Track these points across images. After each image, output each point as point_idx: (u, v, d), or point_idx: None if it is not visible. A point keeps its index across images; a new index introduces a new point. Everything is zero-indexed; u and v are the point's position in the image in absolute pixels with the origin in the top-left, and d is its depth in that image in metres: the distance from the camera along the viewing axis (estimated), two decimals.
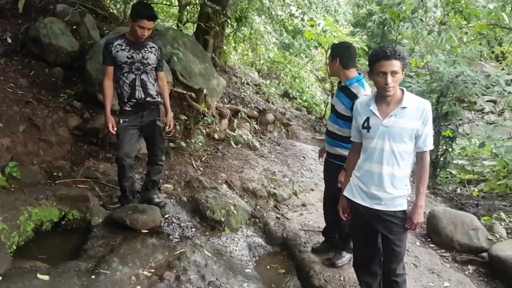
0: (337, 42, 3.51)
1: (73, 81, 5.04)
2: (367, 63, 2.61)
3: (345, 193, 2.80)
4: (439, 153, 8.11)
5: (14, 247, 3.17)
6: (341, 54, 3.30)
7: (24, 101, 4.26)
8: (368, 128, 2.60)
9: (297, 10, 11.68)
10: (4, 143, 3.81)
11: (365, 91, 3.22)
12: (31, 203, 3.46)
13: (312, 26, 10.30)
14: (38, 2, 5.66)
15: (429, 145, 2.58)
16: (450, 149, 8.11)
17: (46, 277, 2.73)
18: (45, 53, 4.96)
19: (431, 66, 7.98)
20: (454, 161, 9.07)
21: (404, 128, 2.49)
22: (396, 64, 2.39)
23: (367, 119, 2.61)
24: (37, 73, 4.81)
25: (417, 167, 2.66)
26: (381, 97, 2.56)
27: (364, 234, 2.80)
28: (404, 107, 2.50)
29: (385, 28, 15.05)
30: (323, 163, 3.81)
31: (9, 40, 5.00)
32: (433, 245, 4.31)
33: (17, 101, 4.19)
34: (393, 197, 2.57)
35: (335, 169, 3.34)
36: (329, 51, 3.36)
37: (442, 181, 8.31)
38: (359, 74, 3.33)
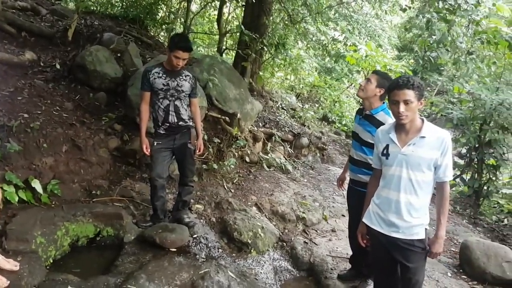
0: (386, 73, 3.51)
1: (115, 105, 5.36)
2: None
3: (364, 219, 2.82)
4: (483, 181, 7.82)
5: (51, 260, 3.39)
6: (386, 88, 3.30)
7: (68, 123, 4.57)
8: (387, 155, 2.64)
9: (340, 35, 11.79)
10: (47, 162, 4.11)
11: (392, 119, 3.24)
12: (69, 219, 3.69)
13: (354, 51, 10.35)
14: (86, 31, 6.11)
15: (449, 176, 2.57)
16: (494, 178, 7.80)
17: None
18: (90, 79, 5.33)
19: (474, 93, 7.79)
20: (502, 191, 8.68)
21: (422, 157, 2.50)
22: (408, 94, 2.43)
23: (387, 147, 2.65)
24: (82, 97, 5.18)
25: (437, 197, 2.66)
26: (400, 125, 2.59)
27: (383, 262, 2.79)
28: (423, 137, 2.52)
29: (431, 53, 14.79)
30: (344, 191, 3.83)
31: (58, 66, 5.42)
32: (465, 277, 4.17)
33: (61, 123, 4.52)
34: (410, 226, 2.57)
35: (361, 197, 3.35)
36: (377, 76, 3.34)
37: (486, 211, 7.95)
38: (383, 103, 3.36)
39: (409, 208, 2.55)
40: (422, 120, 2.59)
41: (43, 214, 3.60)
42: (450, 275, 4.18)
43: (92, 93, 5.30)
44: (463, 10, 4.64)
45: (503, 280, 3.97)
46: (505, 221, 7.62)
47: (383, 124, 3.19)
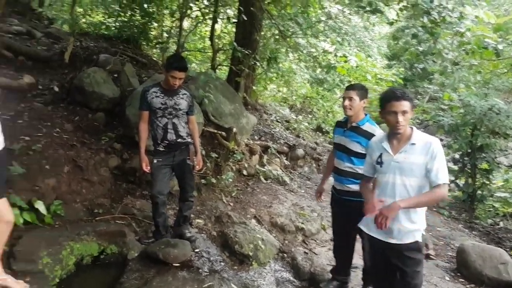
0: (359, 83, 3.66)
1: (114, 125, 5.46)
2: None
3: (360, 225, 2.92)
4: (477, 186, 7.95)
5: (57, 280, 3.44)
6: (366, 98, 3.47)
7: (69, 145, 4.67)
8: (381, 163, 2.76)
9: (330, 47, 12.00)
10: (50, 184, 4.18)
11: (378, 128, 3.39)
12: (73, 238, 3.76)
13: (345, 62, 10.54)
14: (82, 53, 6.23)
15: (442, 179, 2.57)
16: (487, 182, 7.94)
17: None
18: (89, 100, 5.44)
19: (464, 99, 7.96)
20: (496, 194, 8.81)
21: (414, 163, 2.62)
22: (405, 105, 2.58)
23: (380, 155, 2.78)
24: (81, 118, 5.29)
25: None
26: (392, 134, 2.72)
27: (382, 268, 2.88)
28: (413, 144, 2.64)
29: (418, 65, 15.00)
30: (323, 202, 3.93)
31: (56, 89, 5.54)
32: (463, 280, 4.27)
33: (62, 144, 4.61)
34: (407, 231, 2.67)
35: (345, 205, 3.49)
36: (356, 90, 3.44)
37: (481, 215, 8.07)
38: (366, 114, 3.50)
39: (406, 214, 2.65)
40: (412, 128, 2.72)
41: (48, 234, 3.68)
42: (448, 278, 4.28)
43: (90, 114, 5.41)
44: (448, 23, 4.82)
45: (499, 281, 4.09)
46: (501, 224, 7.74)
47: (371, 134, 3.32)
